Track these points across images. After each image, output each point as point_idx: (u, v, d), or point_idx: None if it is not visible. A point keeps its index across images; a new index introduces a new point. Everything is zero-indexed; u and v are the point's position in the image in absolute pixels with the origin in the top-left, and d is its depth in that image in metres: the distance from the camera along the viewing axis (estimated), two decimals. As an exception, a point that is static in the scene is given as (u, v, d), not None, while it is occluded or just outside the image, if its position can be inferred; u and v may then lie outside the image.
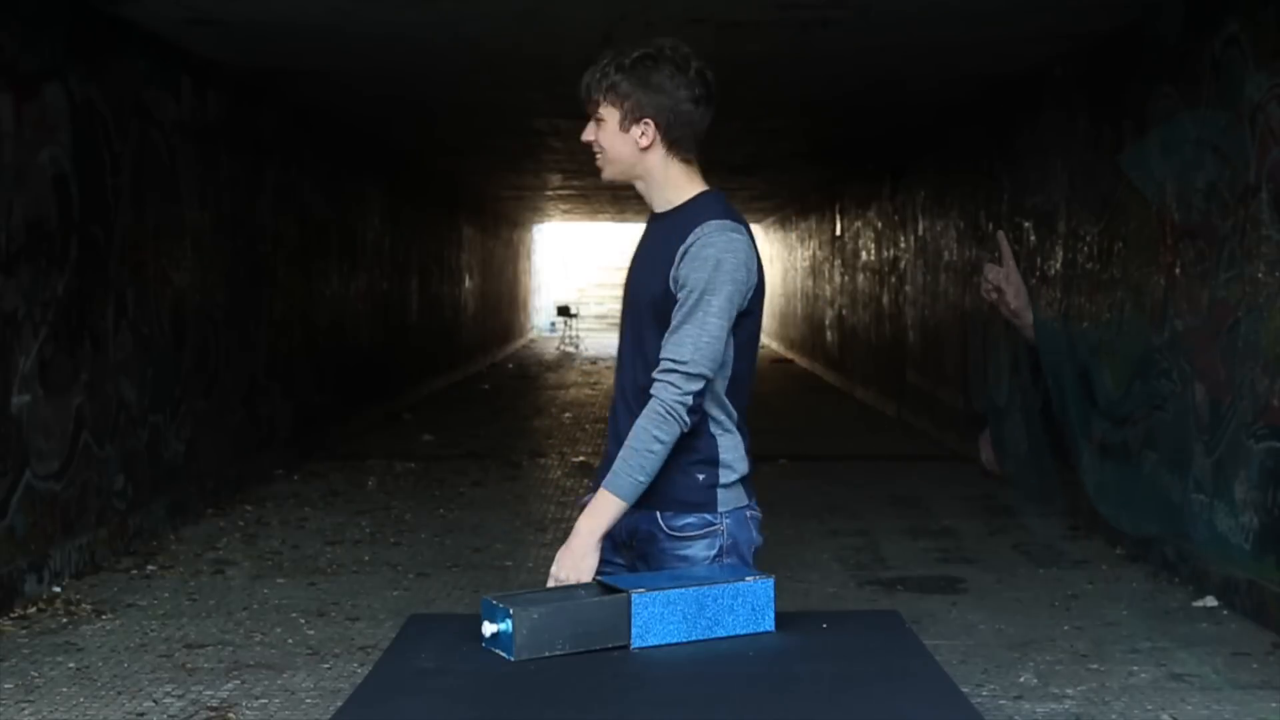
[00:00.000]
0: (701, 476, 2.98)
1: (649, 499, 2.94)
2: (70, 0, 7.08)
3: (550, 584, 2.90)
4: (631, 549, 3.01)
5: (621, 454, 2.90)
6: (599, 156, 3.04)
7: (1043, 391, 3.07)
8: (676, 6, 7.45)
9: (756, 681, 2.53)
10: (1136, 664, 5.53)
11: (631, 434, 2.90)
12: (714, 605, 2.72)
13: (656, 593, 2.68)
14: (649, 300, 2.96)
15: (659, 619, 2.67)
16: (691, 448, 2.97)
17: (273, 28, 8.02)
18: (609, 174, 3.06)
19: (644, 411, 2.89)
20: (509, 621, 2.60)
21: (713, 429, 3.01)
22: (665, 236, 2.95)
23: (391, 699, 2.48)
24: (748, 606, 2.75)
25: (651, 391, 2.89)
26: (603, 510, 2.91)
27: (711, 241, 2.87)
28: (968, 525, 8.35)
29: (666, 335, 2.90)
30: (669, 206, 3.00)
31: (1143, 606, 6.47)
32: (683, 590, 2.70)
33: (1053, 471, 3.24)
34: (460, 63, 9.10)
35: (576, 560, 2.89)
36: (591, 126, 3.03)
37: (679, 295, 2.89)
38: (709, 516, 2.98)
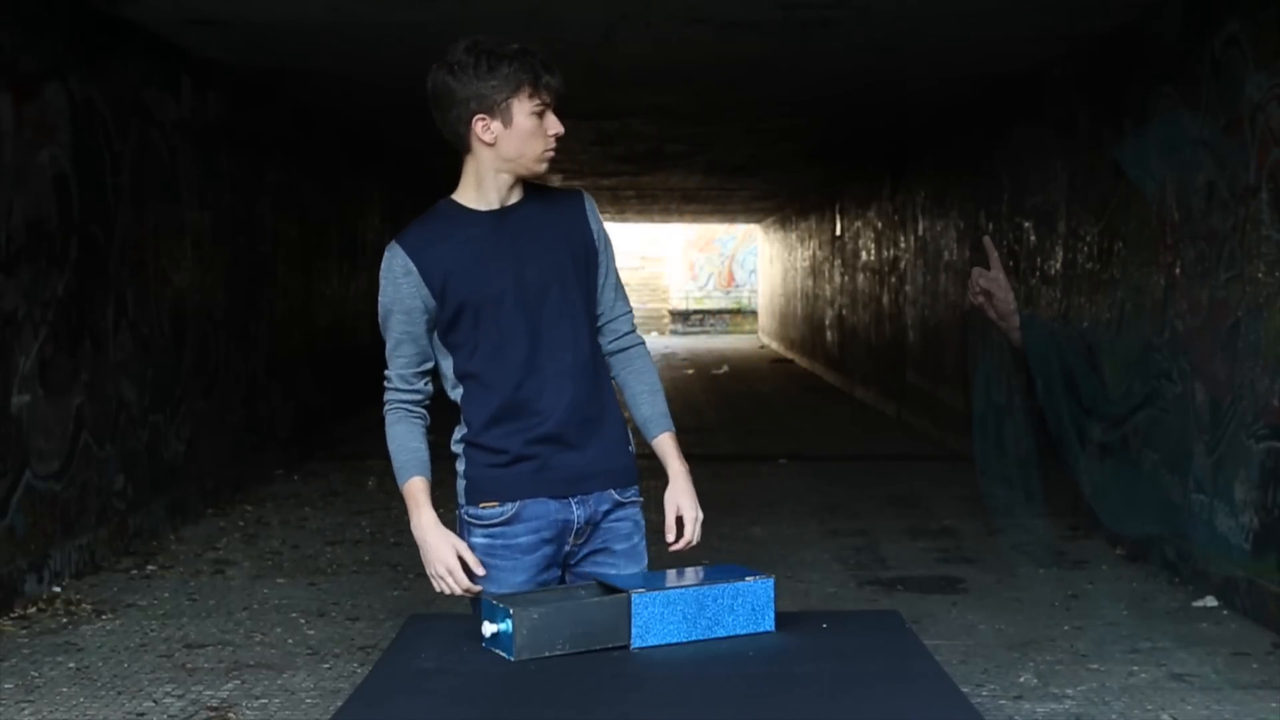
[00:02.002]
0: (631, 448, 3.15)
1: (603, 480, 3.06)
2: (70, 0, 7.08)
3: (691, 527, 3.05)
4: (582, 535, 3.06)
5: (656, 400, 3.16)
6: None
7: (1030, 394, 3.08)
8: (676, 6, 7.45)
9: (756, 681, 2.53)
10: (1136, 664, 5.53)
11: (650, 381, 3.17)
12: (714, 605, 2.72)
13: (656, 593, 2.68)
14: (579, 271, 3.07)
15: (659, 619, 2.68)
16: (623, 421, 3.14)
17: (273, 28, 8.01)
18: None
19: (642, 359, 3.18)
20: (509, 621, 2.60)
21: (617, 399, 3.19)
22: (540, 215, 3.06)
23: (391, 699, 2.48)
24: (748, 606, 2.75)
25: (635, 341, 3.18)
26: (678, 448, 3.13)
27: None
28: (968, 525, 8.34)
29: (613, 290, 3.15)
30: (522, 194, 3.07)
31: (1143, 606, 6.46)
32: (683, 590, 2.70)
33: (1040, 474, 3.24)
34: (460, 63, 9.07)
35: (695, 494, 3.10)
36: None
37: (602, 253, 3.13)
38: (637, 487, 3.15)
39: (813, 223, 21.66)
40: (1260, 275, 6.10)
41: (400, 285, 2.99)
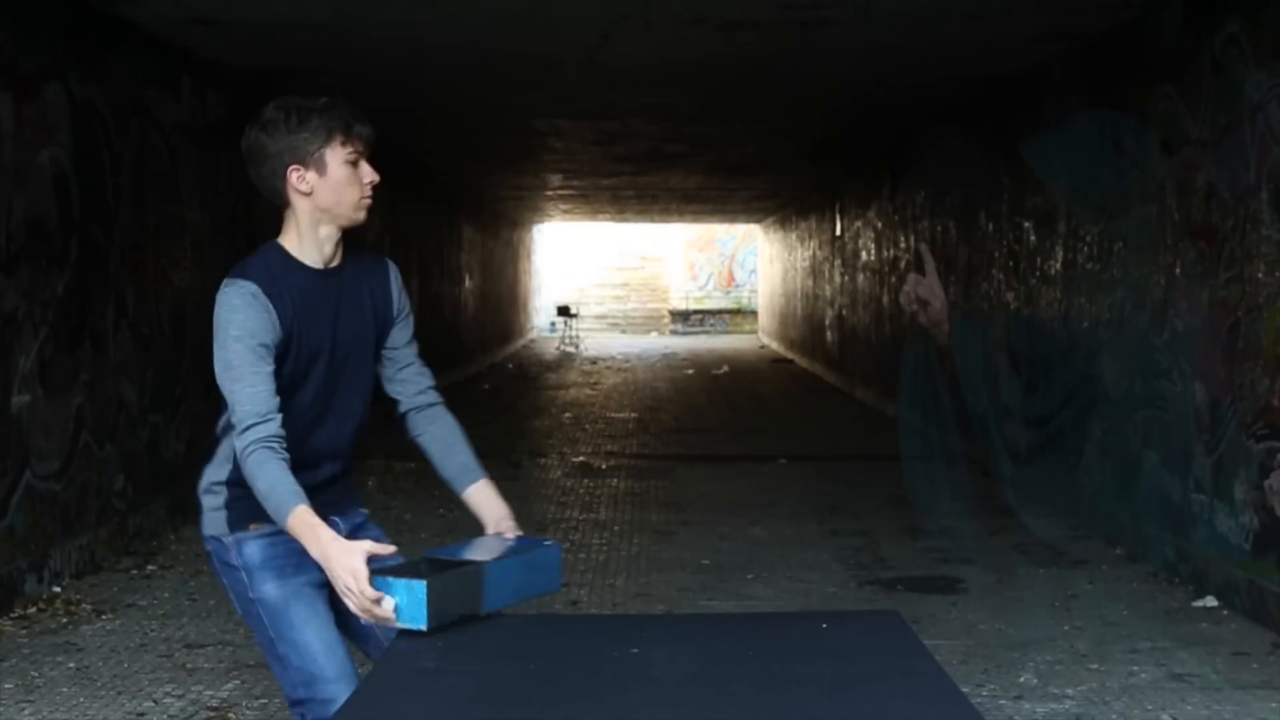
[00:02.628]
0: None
1: (352, 504, 3.26)
2: (70, 0, 7.08)
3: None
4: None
5: (469, 453, 3.26)
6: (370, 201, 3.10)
7: (955, 395, 3.10)
8: (676, 6, 7.45)
9: (756, 681, 2.53)
10: (1136, 664, 5.53)
11: (459, 435, 3.26)
12: (537, 570, 3.04)
13: (506, 560, 2.98)
14: (376, 338, 3.16)
15: (500, 585, 2.93)
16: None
17: (273, 28, 8.01)
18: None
19: (447, 416, 3.27)
20: (417, 590, 2.74)
21: None
22: (355, 280, 3.14)
23: (391, 699, 2.48)
24: (551, 569, 3.09)
25: (437, 401, 3.27)
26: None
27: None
28: (967, 525, 8.33)
29: (414, 353, 3.24)
30: (341, 257, 3.14)
31: (1143, 606, 6.46)
32: (517, 558, 3.02)
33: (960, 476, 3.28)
34: (460, 63, 9.09)
35: None
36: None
37: (400, 320, 3.21)
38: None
39: (813, 223, 21.66)
40: (1260, 275, 6.10)
41: (262, 317, 2.94)
